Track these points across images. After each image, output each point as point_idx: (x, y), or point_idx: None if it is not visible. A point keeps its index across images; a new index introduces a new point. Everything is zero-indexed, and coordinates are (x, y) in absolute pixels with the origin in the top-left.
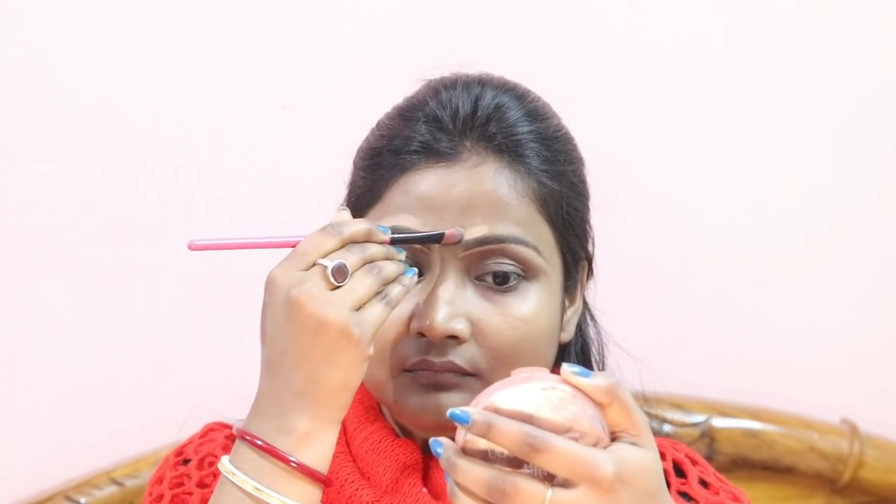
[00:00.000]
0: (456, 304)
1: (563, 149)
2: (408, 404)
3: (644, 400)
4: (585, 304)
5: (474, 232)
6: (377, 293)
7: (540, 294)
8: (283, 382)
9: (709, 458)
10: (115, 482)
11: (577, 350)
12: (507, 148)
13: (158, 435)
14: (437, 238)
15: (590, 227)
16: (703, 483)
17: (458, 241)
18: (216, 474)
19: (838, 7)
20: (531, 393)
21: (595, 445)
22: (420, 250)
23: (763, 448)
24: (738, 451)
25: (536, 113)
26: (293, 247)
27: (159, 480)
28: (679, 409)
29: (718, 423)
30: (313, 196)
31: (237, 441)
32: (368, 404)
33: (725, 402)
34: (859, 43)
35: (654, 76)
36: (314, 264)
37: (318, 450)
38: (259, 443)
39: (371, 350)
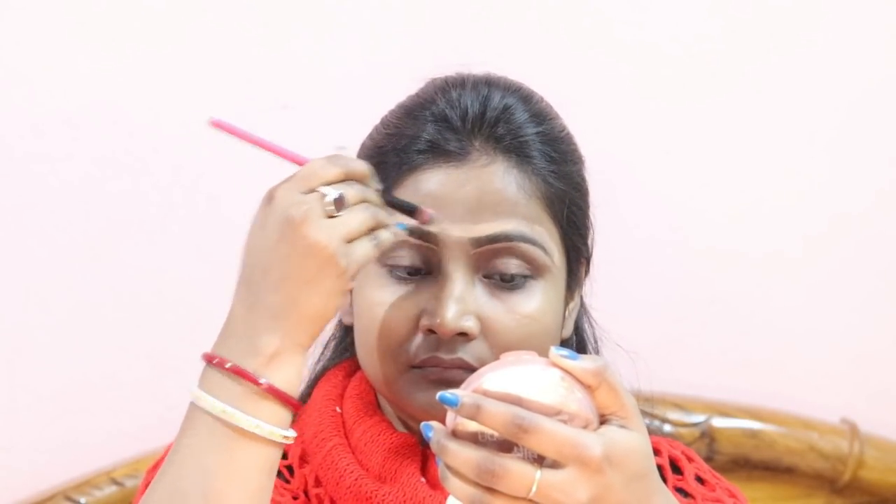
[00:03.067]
0: (465, 302)
1: (566, 149)
2: (417, 400)
3: (644, 400)
4: (581, 300)
5: (485, 229)
6: (369, 232)
7: (546, 292)
8: (260, 302)
9: (709, 458)
10: (115, 482)
11: (572, 346)
12: (514, 149)
13: (158, 435)
14: (411, 210)
15: (591, 224)
16: (700, 479)
17: (427, 222)
18: None
19: (838, 7)
20: (520, 376)
21: (584, 428)
22: (429, 248)
23: (763, 448)
24: (738, 451)
25: (542, 114)
26: (300, 165)
27: (156, 467)
28: (679, 409)
29: (718, 423)
30: None
31: (205, 367)
32: (367, 399)
33: (725, 402)
34: (859, 43)
35: (654, 76)
36: (314, 191)
37: (287, 372)
38: (228, 365)
39: (351, 285)
